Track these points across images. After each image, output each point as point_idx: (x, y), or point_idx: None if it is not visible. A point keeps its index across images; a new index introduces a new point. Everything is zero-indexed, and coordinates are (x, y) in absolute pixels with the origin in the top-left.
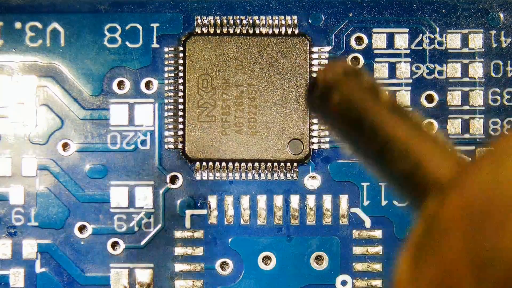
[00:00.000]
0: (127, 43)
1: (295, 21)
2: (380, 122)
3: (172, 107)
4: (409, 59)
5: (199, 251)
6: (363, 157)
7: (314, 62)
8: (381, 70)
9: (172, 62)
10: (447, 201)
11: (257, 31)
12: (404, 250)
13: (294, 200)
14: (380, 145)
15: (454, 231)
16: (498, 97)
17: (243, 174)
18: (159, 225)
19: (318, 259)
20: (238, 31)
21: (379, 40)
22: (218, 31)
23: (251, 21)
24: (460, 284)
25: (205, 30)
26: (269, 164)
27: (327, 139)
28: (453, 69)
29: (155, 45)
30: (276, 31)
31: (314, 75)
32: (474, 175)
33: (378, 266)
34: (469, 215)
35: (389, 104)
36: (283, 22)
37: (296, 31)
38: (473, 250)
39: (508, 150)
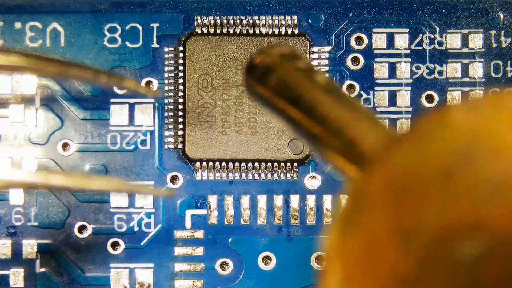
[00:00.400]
0: (127, 43)
1: (295, 21)
2: (315, 102)
3: (172, 107)
4: (409, 59)
5: (199, 251)
6: (301, 136)
7: (314, 62)
8: (381, 70)
9: (172, 62)
10: (372, 174)
11: (257, 31)
12: (333, 223)
13: (294, 200)
14: (316, 125)
15: (378, 202)
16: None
17: (243, 174)
18: (159, 225)
19: (318, 259)
20: (238, 31)
21: (379, 40)
22: (218, 31)
23: (251, 21)
24: (385, 253)
25: (205, 30)
26: (269, 164)
27: None
28: (453, 69)
29: (155, 45)
30: (276, 31)
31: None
32: (398, 149)
33: None
34: (392, 187)
35: (324, 85)
36: (283, 22)
37: (296, 31)
38: (396, 221)
39: (430, 126)
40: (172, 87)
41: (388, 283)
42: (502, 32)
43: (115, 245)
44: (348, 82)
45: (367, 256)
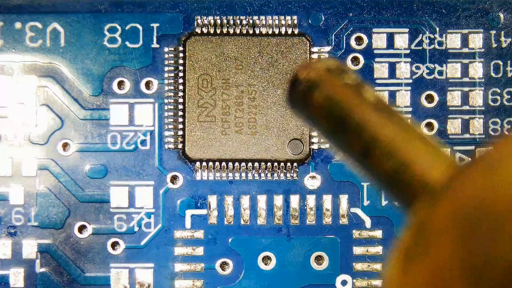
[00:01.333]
0: (127, 43)
1: (295, 21)
2: (365, 121)
3: (172, 107)
4: (409, 59)
5: (199, 251)
6: (348, 157)
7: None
8: (381, 70)
9: (172, 62)
10: (438, 206)
11: (257, 31)
12: (394, 254)
13: (294, 200)
14: (365, 145)
15: (445, 237)
16: (498, 97)
17: (243, 174)
18: (159, 225)
19: (318, 259)
20: (238, 31)
21: (379, 40)
22: (218, 31)
23: (251, 21)
24: None
25: (205, 30)
26: (269, 164)
27: None
28: (453, 69)
29: (155, 45)
30: (276, 31)
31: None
32: (466, 179)
33: (378, 266)
34: (460, 221)
35: (374, 102)
36: (283, 22)
37: (296, 31)
38: (466, 256)
39: (501, 155)
40: (172, 87)
41: None
42: (502, 32)
43: (115, 245)
44: None
45: None
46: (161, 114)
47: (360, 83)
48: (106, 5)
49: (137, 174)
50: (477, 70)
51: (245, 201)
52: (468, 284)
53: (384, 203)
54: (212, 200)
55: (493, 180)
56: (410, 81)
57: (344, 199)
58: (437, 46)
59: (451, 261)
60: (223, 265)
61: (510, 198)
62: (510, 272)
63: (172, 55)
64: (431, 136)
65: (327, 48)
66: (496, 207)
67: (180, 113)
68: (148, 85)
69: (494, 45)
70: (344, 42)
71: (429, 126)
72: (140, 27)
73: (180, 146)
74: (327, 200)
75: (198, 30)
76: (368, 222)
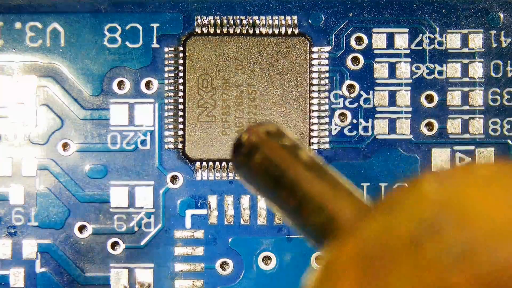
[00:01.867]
0: (127, 43)
1: (295, 21)
2: (298, 178)
3: (172, 107)
4: (409, 59)
5: (199, 251)
6: (282, 212)
7: (314, 62)
8: (381, 70)
9: (172, 62)
10: (343, 246)
11: (257, 31)
12: None
13: None
14: (297, 201)
15: (347, 274)
16: (498, 97)
17: None
18: (159, 225)
19: (318, 259)
20: (238, 31)
21: (379, 40)
22: (218, 31)
23: (251, 21)
24: None
25: (205, 30)
26: None
27: (327, 139)
28: (453, 69)
29: (155, 45)
30: (276, 31)
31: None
32: (369, 220)
33: None
34: (362, 257)
35: (308, 161)
36: (283, 22)
37: (296, 31)
38: None
39: (401, 197)
40: (172, 87)
41: None
42: (502, 32)
43: (115, 245)
44: (348, 82)
45: None
46: (161, 114)
47: (296, 145)
48: (106, 5)
49: (137, 174)
50: (477, 70)
51: (245, 201)
52: None
53: None
54: (212, 200)
55: (390, 220)
56: (410, 81)
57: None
58: (437, 46)
59: None
60: (223, 265)
61: (404, 236)
62: None
63: (172, 55)
64: (353, 186)
65: (327, 48)
66: (392, 245)
67: (180, 113)
68: (148, 85)
69: (494, 45)
70: (344, 42)
71: (429, 126)
72: (140, 27)
73: (180, 146)
74: None
75: (198, 30)
76: None
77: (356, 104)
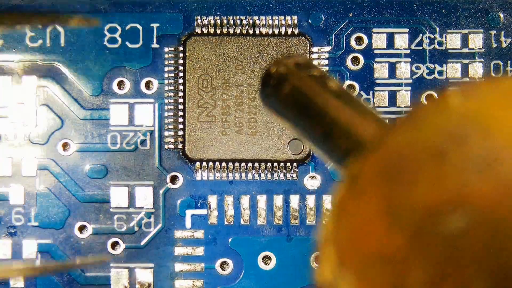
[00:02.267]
0: (127, 43)
1: (295, 21)
2: (327, 106)
3: (172, 107)
4: (409, 59)
5: (199, 251)
6: (311, 140)
7: (314, 62)
8: (381, 70)
9: (172, 62)
10: (366, 160)
11: (257, 31)
12: (330, 208)
13: (294, 200)
14: (326, 127)
15: (371, 186)
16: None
17: (243, 174)
18: (159, 225)
19: (318, 259)
20: (238, 31)
21: (379, 40)
22: (218, 31)
23: (251, 21)
24: (375, 234)
25: (205, 30)
26: (269, 164)
27: None
28: (453, 69)
29: (155, 45)
30: (276, 31)
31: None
32: (393, 134)
33: None
34: (385, 171)
35: (336, 90)
36: (283, 22)
37: (296, 31)
38: (387, 201)
39: (426, 111)
40: (172, 87)
41: (376, 263)
42: (502, 32)
43: (115, 245)
44: (348, 82)
45: (359, 239)
46: (161, 114)
47: (324, 75)
48: (106, 5)
49: (137, 174)
50: (477, 70)
51: (245, 201)
52: (388, 227)
53: None
54: (212, 200)
55: (415, 133)
56: (410, 81)
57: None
58: (437, 46)
59: (375, 208)
60: (223, 265)
61: (429, 147)
62: (422, 213)
63: (172, 55)
64: (379, 114)
65: (327, 48)
66: (416, 156)
67: (180, 113)
68: (148, 85)
69: (494, 45)
70: (344, 42)
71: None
72: (140, 27)
73: (180, 146)
74: (327, 200)
75: (198, 30)
76: None
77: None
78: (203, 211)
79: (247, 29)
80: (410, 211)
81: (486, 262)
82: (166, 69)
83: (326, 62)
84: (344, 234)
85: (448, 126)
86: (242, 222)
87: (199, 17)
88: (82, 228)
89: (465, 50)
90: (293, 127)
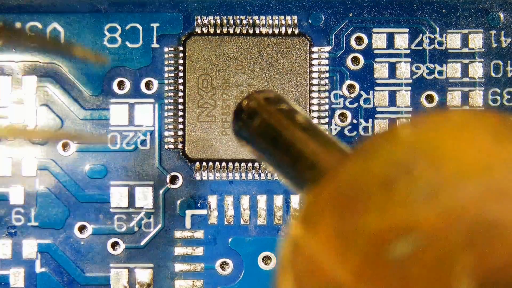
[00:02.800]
0: (127, 43)
1: (295, 21)
2: (293, 139)
3: (172, 107)
4: (409, 59)
5: (199, 251)
6: (279, 170)
7: (314, 62)
8: (381, 70)
9: (172, 62)
10: (320, 189)
11: (257, 31)
12: (285, 237)
13: (294, 200)
14: (293, 159)
15: (324, 214)
16: (498, 97)
17: (243, 174)
18: (159, 225)
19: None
20: (238, 31)
21: (379, 40)
22: (218, 31)
23: (251, 21)
24: (328, 261)
25: (205, 30)
26: None
27: None
28: (453, 69)
29: (155, 45)
30: (276, 31)
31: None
32: (347, 163)
33: None
34: (337, 200)
35: (302, 124)
36: (283, 22)
37: (296, 31)
38: (337, 229)
39: (377, 142)
40: (172, 87)
41: None
42: (502, 32)
43: (115, 245)
44: (348, 82)
45: (314, 267)
46: (161, 114)
47: (292, 109)
48: (106, 5)
49: (137, 174)
50: (477, 70)
51: (245, 201)
52: (339, 254)
53: None
54: (212, 200)
55: (366, 162)
56: (410, 81)
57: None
58: (437, 46)
59: (328, 235)
60: (223, 265)
61: (378, 176)
62: (371, 239)
63: (172, 55)
64: (345, 145)
65: (327, 48)
66: (366, 185)
67: (180, 113)
68: (148, 85)
69: (494, 45)
70: (344, 42)
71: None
72: (140, 27)
73: (180, 146)
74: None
75: (198, 30)
76: None
77: (356, 104)
78: (203, 211)
79: (247, 29)
80: (359, 238)
81: (433, 286)
82: (166, 69)
83: (326, 62)
84: (300, 262)
85: (397, 156)
86: (242, 222)
87: (199, 17)
88: (82, 228)
89: (465, 50)
90: (263, 158)
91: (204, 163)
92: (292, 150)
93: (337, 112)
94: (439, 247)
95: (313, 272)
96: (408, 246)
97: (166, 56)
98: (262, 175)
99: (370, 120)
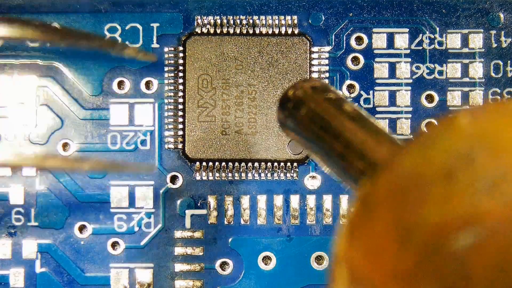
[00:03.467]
0: (127, 43)
1: (295, 21)
2: (341, 129)
3: (172, 107)
4: (409, 59)
5: (199, 251)
6: (326, 161)
7: (314, 62)
8: (381, 70)
9: (172, 62)
10: (378, 179)
11: (257, 31)
12: (341, 228)
13: (294, 200)
14: (341, 149)
15: (383, 206)
16: (498, 97)
17: (243, 174)
18: (159, 225)
19: (318, 259)
20: (238, 31)
21: (379, 40)
22: (218, 31)
23: (251, 21)
24: (387, 253)
25: (205, 30)
26: (269, 164)
27: None
28: (453, 69)
29: (155, 45)
30: (276, 31)
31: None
32: (404, 154)
33: None
34: (396, 189)
35: (350, 113)
36: (283, 22)
37: (296, 31)
38: (397, 220)
39: (435, 132)
40: (172, 87)
41: (389, 281)
42: (502, 32)
43: (115, 245)
44: (348, 82)
45: (371, 257)
46: (161, 114)
47: (340, 98)
48: (106, 5)
49: (137, 174)
50: (477, 70)
51: (245, 201)
52: (399, 246)
53: None
54: (212, 200)
55: (425, 153)
56: (410, 81)
57: (344, 199)
58: (437, 46)
59: (386, 227)
60: (223, 265)
61: (438, 168)
62: (433, 231)
63: (172, 55)
64: (393, 135)
65: (327, 48)
66: (426, 176)
67: (180, 113)
68: (148, 85)
69: (494, 45)
70: (344, 42)
71: (430, 126)
72: (140, 27)
73: (180, 146)
74: (327, 200)
75: (198, 30)
76: None
77: (356, 104)
78: (203, 211)
79: (247, 29)
80: (420, 229)
81: (495, 279)
82: (166, 69)
83: (326, 62)
84: (357, 254)
85: (457, 146)
86: (242, 222)
87: (199, 17)
88: (82, 228)
89: (465, 50)
90: (309, 148)
91: (204, 163)
92: (341, 140)
93: None
94: (502, 239)
95: (370, 264)
96: (470, 238)
97: (166, 56)
98: (262, 175)
99: None
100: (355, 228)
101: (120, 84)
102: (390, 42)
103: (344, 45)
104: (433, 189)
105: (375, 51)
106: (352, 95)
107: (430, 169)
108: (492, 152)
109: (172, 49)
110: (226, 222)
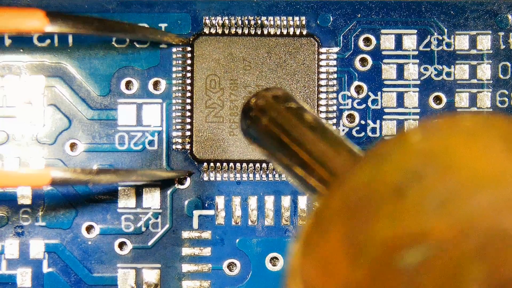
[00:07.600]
0: (135, 43)
1: (303, 22)
2: (301, 139)
3: (180, 107)
4: (417, 61)
5: (207, 251)
6: (286, 170)
7: (322, 63)
8: (389, 71)
9: (180, 62)
10: (332, 193)
11: (265, 32)
12: (295, 242)
13: (302, 201)
14: (301, 159)
15: (336, 219)
16: (506, 99)
17: (251, 175)
18: (167, 226)
19: None
20: (246, 32)
21: (387, 41)
22: (226, 31)
23: (259, 21)
24: (339, 268)
25: (213, 30)
26: None
27: None
28: (461, 71)
29: (163, 45)
30: (284, 32)
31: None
32: (357, 170)
33: None
34: (347, 207)
35: (311, 123)
36: (291, 23)
37: (305, 32)
38: (349, 236)
39: (387, 148)
40: (180, 88)
41: None
42: (510, 33)
43: (122, 245)
44: (356, 83)
45: (324, 271)
46: (169, 114)
47: (301, 107)
48: (113, 5)
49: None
50: (485, 71)
51: (253, 201)
52: (350, 261)
53: None
54: (220, 200)
55: (377, 169)
56: (418, 82)
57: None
58: (445, 48)
59: (339, 241)
60: (230, 266)
61: (389, 184)
62: (382, 247)
63: (180, 56)
64: (354, 145)
65: (336, 49)
66: (377, 192)
67: (188, 113)
68: (156, 85)
69: (503, 47)
70: (352, 43)
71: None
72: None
73: (187, 146)
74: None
75: (206, 31)
76: None
77: (364, 105)
78: (210, 212)
79: (255, 30)
80: (370, 245)
81: None
82: (174, 69)
83: (334, 63)
84: (311, 267)
85: (408, 163)
86: (249, 223)
87: (207, 17)
88: (89, 228)
89: (473, 51)
90: (271, 158)
91: (211, 164)
92: (302, 150)
93: (345, 113)
94: (450, 257)
95: (323, 278)
96: (418, 255)
97: (174, 56)
98: (270, 175)
99: (378, 121)
100: (309, 241)
101: (128, 84)
102: (398, 43)
103: (352, 46)
104: (384, 205)
105: (383, 52)
106: (360, 96)
107: (382, 185)
108: (442, 170)
109: (180, 49)
110: (233, 223)
